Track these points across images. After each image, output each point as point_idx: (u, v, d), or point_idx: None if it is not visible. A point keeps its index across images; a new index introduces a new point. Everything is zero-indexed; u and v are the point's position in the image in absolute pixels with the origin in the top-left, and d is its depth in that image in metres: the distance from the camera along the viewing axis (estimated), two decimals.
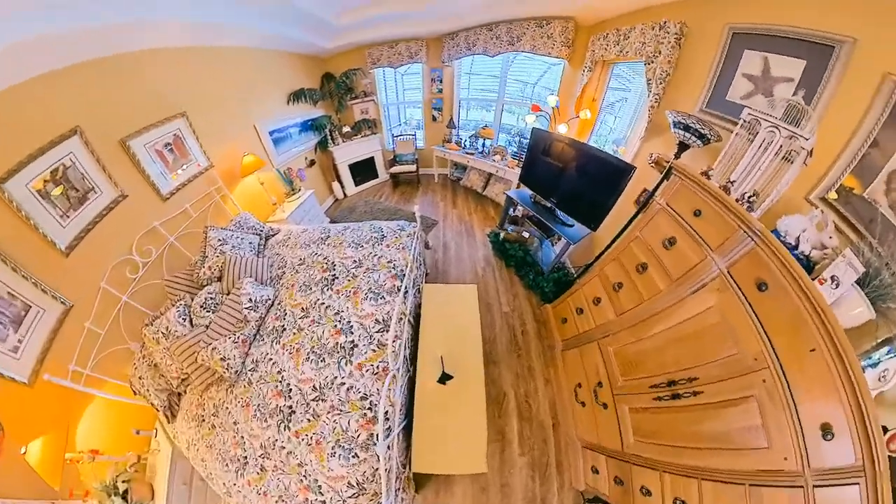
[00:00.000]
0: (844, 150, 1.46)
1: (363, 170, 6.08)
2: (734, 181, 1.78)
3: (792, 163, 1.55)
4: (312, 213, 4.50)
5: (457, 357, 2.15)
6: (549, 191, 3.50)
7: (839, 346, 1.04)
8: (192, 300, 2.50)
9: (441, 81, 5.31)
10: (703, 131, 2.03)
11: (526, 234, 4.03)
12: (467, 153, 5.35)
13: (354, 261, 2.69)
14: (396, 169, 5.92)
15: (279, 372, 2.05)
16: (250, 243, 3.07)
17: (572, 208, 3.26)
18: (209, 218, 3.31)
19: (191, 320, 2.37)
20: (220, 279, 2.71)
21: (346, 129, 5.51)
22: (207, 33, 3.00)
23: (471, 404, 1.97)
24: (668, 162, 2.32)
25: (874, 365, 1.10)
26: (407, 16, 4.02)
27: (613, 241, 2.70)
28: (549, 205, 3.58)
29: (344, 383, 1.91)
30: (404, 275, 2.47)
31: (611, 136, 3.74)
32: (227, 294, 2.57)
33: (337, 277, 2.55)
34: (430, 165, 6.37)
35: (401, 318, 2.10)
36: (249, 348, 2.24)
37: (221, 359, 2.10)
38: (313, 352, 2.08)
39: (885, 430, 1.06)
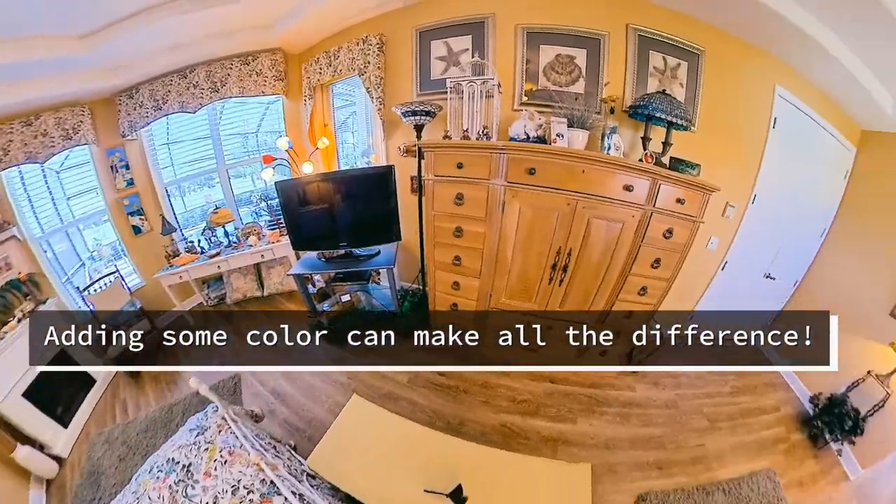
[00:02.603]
0: (515, 73, 2.64)
1: (57, 385, 3.10)
2: (467, 129, 2.56)
3: (493, 97, 2.44)
4: None
5: (432, 471, 1.81)
6: (331, 239, 3.44)
7: (590, 158, 2.22)
8: None
9: (128, 167, 4.10)
10: (427, 110, 2.70)
11: (346, 297, 3.76)
12: (211, 256, 4.14)
13: None
14: (118, 347, 3.22)
15: None
16: None
17: (365, 238, 3.37)
18: None
19: None
20: None
21: None
22: None
23: (504, 475, 1.82)
24: (415, 146, 2.84)
25: (608, 148, 2.22)
26: (47, 64, 2.81)
27: (421, 234, 3.01)
28: (342, 251, 3.51)
29: None
30: (272, 480, 1.71)
31: (357, 152, 4.13)
32: None
33: None
34: (171, 305, 4.30)
35: None
36: None
37: None
38: None
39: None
